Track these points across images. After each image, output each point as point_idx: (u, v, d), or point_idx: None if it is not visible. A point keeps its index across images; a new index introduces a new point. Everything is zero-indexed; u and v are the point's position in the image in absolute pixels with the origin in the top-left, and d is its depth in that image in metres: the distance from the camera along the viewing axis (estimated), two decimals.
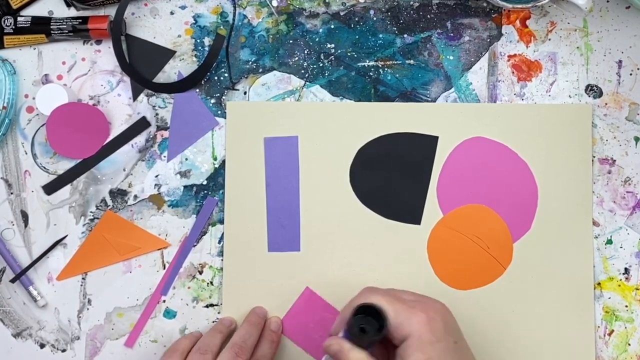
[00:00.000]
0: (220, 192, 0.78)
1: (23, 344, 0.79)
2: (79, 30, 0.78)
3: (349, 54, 0.79)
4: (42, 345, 0.79)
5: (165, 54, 0.80)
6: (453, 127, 0.78)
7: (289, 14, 0.80)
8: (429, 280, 0.77)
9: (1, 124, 0.78)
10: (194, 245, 0.79)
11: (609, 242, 0.77)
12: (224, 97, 0.79)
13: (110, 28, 0.78)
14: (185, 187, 0.79)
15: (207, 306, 0.78)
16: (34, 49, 0.80)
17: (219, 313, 0.78)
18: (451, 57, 0.79)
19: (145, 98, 0.80)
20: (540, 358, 0.76)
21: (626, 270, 0.77)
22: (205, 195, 0.79)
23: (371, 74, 0.79)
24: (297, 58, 0.79)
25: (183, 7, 0.80)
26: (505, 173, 0.77)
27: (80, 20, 0.78)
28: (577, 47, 0.79)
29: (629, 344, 0.77)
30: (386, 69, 0.79)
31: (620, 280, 0.77)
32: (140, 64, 0.80)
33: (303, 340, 0.76)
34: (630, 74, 0.78)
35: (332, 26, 0.79)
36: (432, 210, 0.77)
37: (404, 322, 0.63)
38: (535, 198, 0.77)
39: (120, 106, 0.80)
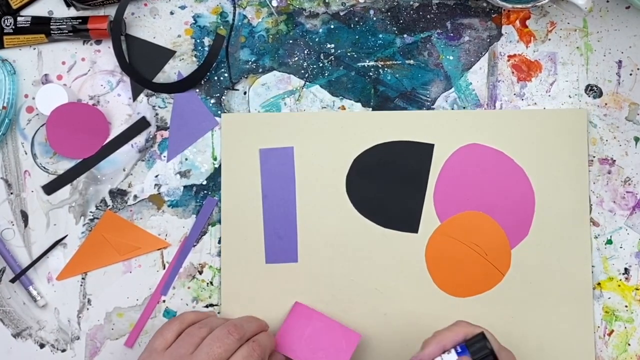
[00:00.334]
0: (220, 192, 0.78)
1: (23, 344, 0.79)
2: (78, 30, 0.78)
3: (348, 54, 0.79)
4: (42, 345, 0.79)
5: (165, 54, 0.80)
6: (448, 135, 0.78)
7: (288, 14, 0.80)
8: (428, 288, 0.77)
9: (1, 124, 0.78)
10: (194, 245, 0.79)
11: (609, 242, 0.77)
12: (223, 97, 0.79)
13: (110, 28, 0.78)
14: (185, 187, 0.79)
15: (207, 306, 0.78)
16: (34, 49, 0.80)
17: (218, 313, 0.78)
18: (451, 57, 0.79)
19: (145, 98, 0.80)
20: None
21: (626, 271, 0.77)
22: (205, 195, 0.79)
23: (371, 74, 0.79)
24: (297, 58, 0.79)
25: (183, 7, 0.80)
26: (502, 179, 0.77)
27: (80, 20, 0.78)
28: (577, 47, 0.79)
29: (629, 344, 0.77)
30: (386, 69, 0.79)
31: (620, 280, 0.77)
32: (140, 64, 0.80)
33: (299, 353, 0.74)
34: (630, 74, 0.78)
35: (332, 26, 0.79)
36: (429, 218, 0.77)
37: (501, 353, 0.67)
38: (532, 204, 0.77)
39: (120, 106, 0.80)
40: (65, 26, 0.78)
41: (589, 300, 0.77)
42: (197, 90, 0.79)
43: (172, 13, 0.80)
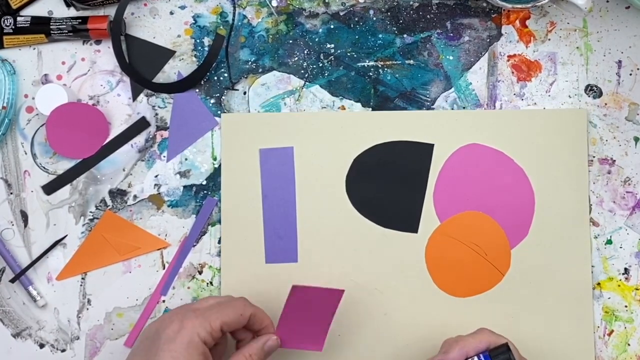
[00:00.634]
0: (220, 192, 0.78)
1: (23, 344, 0.79)
2: (78, 30, 0.78)
3: (348, 54, 0.79)
4: (41, 345, 0.79)
5: (164, 54, 0.80)
6: (448, 135, 0.78)
7: (288, 14, 0.80)
8: (428, 288, 0.77)
9: (1, 124, 0.78)
10: (194, 245, 0.79)
11: (609, 242, 0.77)
12: (223, 97, 0.79)
13: (110, 28, 0.78)
14: (184, 187, 0.79)
15: None
16: (34, 49, 0.80)
17: None
18: (451, 57, 0.79)
19: (145, 98, 0.80)
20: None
21: (626, 271, 0.77)
22: (205, 195, 0.79)
23: (371, 74, 0.79)
24: (296, 58, 0.79)
25: (183, 7, 0.80)
26: (502, 179, 0.77)
27: (80, 20, 0.78)
28: (577, 47, 0.79)
29: (629, 344, 0.77)
30: (386, 69, 0.79)
31: (620, 280, 0.77)
32: (140, 64, 0.80)
33: (302, 341, 0.74)
34: (630, 74, 0.78)
35: (332, 26, 0.79)
36: (429, 218, 0.77)
37: None
38: (532, 204, 0.77)
39: (120, 106, 0.80)
40: (65, 26, 0.78)
41: (589, 300, 0.77)
42: (197, 90, 0.79)
43: (172, 13, 0.80)
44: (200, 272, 0.78)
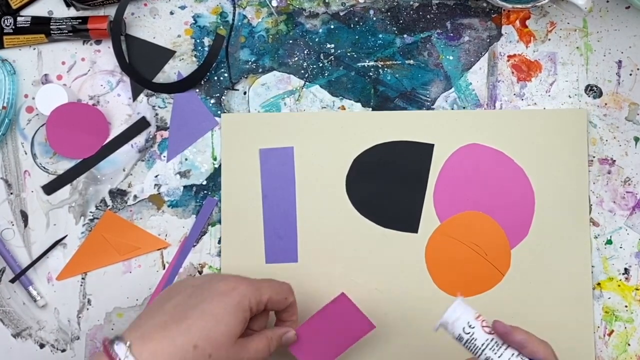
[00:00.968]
0: (220, 192, 0.78)
1: (23, 344, 0.79)
2: (78, 30, 0.78)
3: (348, 54, 0.79)
4: (41, 345, 0.79)
5: (165, 54, 0.80)
6: (448, 135, 0.78)
7: (288, 14, 0.80)
8: (428, 288, 0.77)
9: (1, 124, 0.78)
10: (194, 246, 0.79)
11: (609, 242, 0.77)
12: (223, 97, 0.79)
13: (110, 28, 0.78)
14: (185, 187, 0.79)
15: None
16: (34, 49, 0.80)
17: None
18: (451, 57, 0.79)
19: (145, 98, 0.80)
20: None
21: (626, 271, 0.77)
22: (205, 195, 0.79)
23: (371, 74, 0.79)
24: (296, 58, 0.79)
25: (183, 7, 0.80)
26: (502, 179, 0.77)
27: (80, 20, 0.78)
28: (577, 47, 0.79)
29: (629, 344, 0.77)
30: (386, 69, 0.79)
31: (620, 280, 0.77)
32: (140, 64, 0.80)
33: (310, 353, 0.73)
34: (630, 74, 0.78)
35: (332, 26, 0.79)
36: (429, 218, 0.77)
37: None
38: (532, 204, 0.77)
39: (120, 106, 0.80)
40: (65, 26, 0.78)
41: (589, 300, 0.77)
42: (197, 90, 0.79)
43: (172, 13, 0.80)
44: (200, 272, 0.78)
